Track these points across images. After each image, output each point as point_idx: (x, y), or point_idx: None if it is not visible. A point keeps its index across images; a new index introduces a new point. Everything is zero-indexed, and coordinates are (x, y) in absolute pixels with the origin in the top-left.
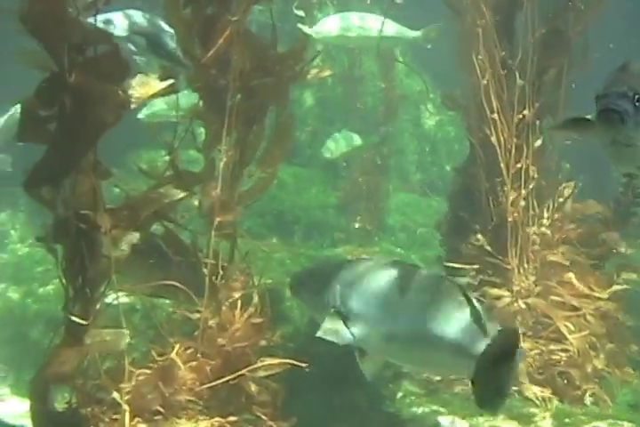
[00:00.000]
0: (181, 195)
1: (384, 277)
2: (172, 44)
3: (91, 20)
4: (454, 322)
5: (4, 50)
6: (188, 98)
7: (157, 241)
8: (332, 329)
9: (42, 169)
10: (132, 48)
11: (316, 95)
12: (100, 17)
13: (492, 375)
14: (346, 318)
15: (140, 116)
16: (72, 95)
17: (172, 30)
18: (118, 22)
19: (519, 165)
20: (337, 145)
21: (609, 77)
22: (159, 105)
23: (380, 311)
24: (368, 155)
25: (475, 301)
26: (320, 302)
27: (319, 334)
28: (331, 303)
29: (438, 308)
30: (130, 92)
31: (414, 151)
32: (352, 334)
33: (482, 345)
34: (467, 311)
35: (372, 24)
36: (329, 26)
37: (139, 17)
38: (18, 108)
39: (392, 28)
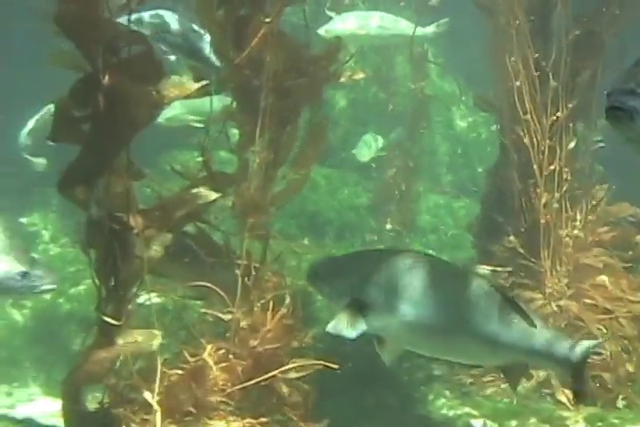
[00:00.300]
0: (215, 196)
1: (405, 266)
2: (200, 44)
3: (121, 19)
4: (486, 311)
5: (37, 51)
6: (209, 102)
7: (190, 242)
8: (344, 322)
9: (76, 169)
10: (162, 48)
11: (348, 96)
12: (131, 17)
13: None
14: (365, 306)
15: (158, 119)
16: (106, 96)
17: (201, 30)
18: (147, 22)
19: (552, 167)
20: (370, 148)
21: (620, 74)
22: (178, 109)
23: (403, 300)
24: (400, 156)
25: (501, 289)
26: (338, 291)
27: (328, 328)
28: (349, 292)
29: (466, 297)
30: (163, 92)
31: (446, 153)
32: (370, 323)
33: (516, 334)
34: (496, 300)
35: (384, 22)
36: (339, 25)
37: (168, 17)
38: (49, 108)
39: (402, 25)
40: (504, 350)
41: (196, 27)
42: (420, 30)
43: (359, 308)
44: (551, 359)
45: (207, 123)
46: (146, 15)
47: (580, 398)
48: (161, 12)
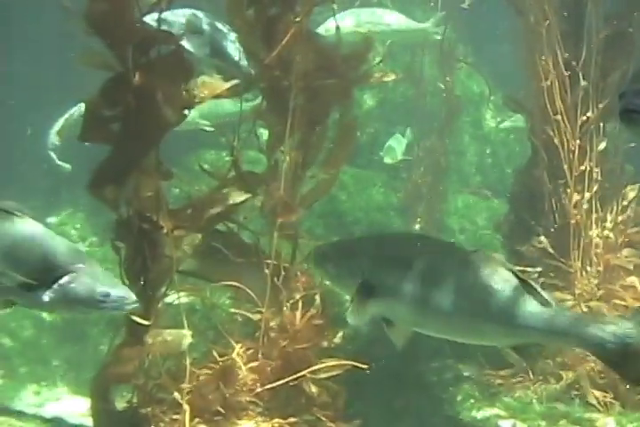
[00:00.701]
0: (245, 197)
1: (414, 248)
2: (225, 43)
3: (147, 19)
4: (498, 292)
5: (67, 50)
6: (224, 106)
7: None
8: (356, 307)
9: (105, 169)
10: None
11: (376, 96)
12: (155, 16)
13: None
14: (375, 289)
15: None
16: (136, 95)
17: (225, 29)
18: (172, 21)
19: (583, 168)
20: (397, 151)
21: (632, 73)
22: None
23: (413, 282)
24: (428, 157)
25: (514, 271)
26: (346, 274)
27: (349, 320)
28: (358, 275)
29: (477, 278)
30: (193, 92)
31: (474, 153)
32: (380, 306)
33: (531, 314)
34: (509, 281)
35: (383, 19)
36: (340, 23)
37: (192, 16)
38: (78, 107)
39: (401, 22)
40: (518, 330)
41: (220, 25)
42: (419, 25)
43: (369, 290)
44: (579, 340)
45: (236, 123)
46: (170, 14)
47: (626, 378)
48: (185, 10)
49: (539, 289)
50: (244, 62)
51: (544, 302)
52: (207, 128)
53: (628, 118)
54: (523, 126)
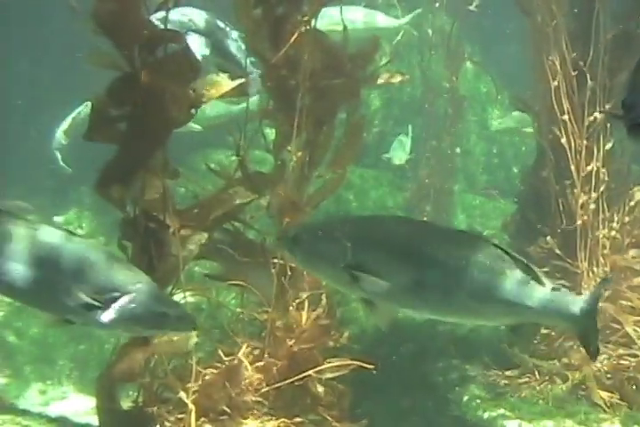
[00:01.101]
0: (252, 197)
1: (399, 230)
2: (227, 42)
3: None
4: (487, 270)
5: (74, 49)
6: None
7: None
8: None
9: (112, 169)
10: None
11: (383, 96)
12: (159, 15)
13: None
14: (359, 272)
15: None
16: (143, 94)
17: (227, 28)
18: (174, 20)
19: (589, 168)
20: (404, 151)
21: (633, 78)
22: None
23: (398, 262)
24: (435, 156)
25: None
26: (328, 259)
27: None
28: (340, 260)
29: (465, 257)
30: (200, 91)
31: (481, 153)
32: (365, 288)
33: (526, 292)
34: (498, 259)
35: (356, 16)
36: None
37: (194, 14)
38: (85, 106)
39: (376, 18)
40: (514, 309)
41: (221, 24)
42: (393, 22)
43: (354, 273)
44: (558, 316)
45: (243, 122)
46: (172, 13)
47: (591, 354)
48: (187, 9)
49: (532, 267)
50: (245, 61)
51: (539, 281)
52: (195, 128)
53: (636, 134)
54: (515, 127)
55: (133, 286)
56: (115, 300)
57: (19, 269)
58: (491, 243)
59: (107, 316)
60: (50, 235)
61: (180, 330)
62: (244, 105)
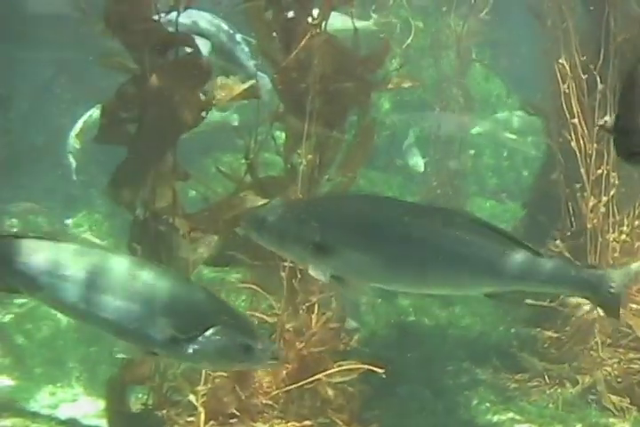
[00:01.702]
0: (262, 202)
1: (366, 206)
2: (232, 45)
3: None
4: (476, 241)
5: (85, 52)
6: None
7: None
8: (315, 270)
9: (122, 171)
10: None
11: (393, 99)
12: (166, 18)
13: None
14: (332, 249)
15: None
16: (153, 97)
17: (231, 30)
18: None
19: (600, 171)
20: (420, 157)
21: (622, 99)
22: None
23: (370, 239)
24: (444, 160)
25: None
26: (293, 237)
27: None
28: (310, 240)
29: (439, 230)
30: (210, 94)
31: (491, 156)
32: (334, 266)
33: (505, 260)
34: (485, 232)
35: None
36: None
37: (199, 17)
38: (95, 110)
39: (341, 21)
40: (496, 277)
41: (226, 26)
42: (360, 25)
43: (324, 251)
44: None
45: (253, 125)
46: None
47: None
48: (192, 11)
49: (517, 239)
50: (250, 63)
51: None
52: None
53: (634, 161)
54: (493, 131)
55: (219, 317)
56: (200, 333)
57: (111, 303)
58: (469, 217)
59: (193, 349)
60: (135, 268)
61: (264, 364)
62: (225, 114)
